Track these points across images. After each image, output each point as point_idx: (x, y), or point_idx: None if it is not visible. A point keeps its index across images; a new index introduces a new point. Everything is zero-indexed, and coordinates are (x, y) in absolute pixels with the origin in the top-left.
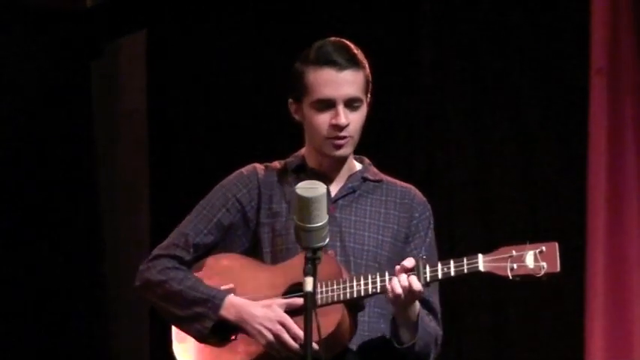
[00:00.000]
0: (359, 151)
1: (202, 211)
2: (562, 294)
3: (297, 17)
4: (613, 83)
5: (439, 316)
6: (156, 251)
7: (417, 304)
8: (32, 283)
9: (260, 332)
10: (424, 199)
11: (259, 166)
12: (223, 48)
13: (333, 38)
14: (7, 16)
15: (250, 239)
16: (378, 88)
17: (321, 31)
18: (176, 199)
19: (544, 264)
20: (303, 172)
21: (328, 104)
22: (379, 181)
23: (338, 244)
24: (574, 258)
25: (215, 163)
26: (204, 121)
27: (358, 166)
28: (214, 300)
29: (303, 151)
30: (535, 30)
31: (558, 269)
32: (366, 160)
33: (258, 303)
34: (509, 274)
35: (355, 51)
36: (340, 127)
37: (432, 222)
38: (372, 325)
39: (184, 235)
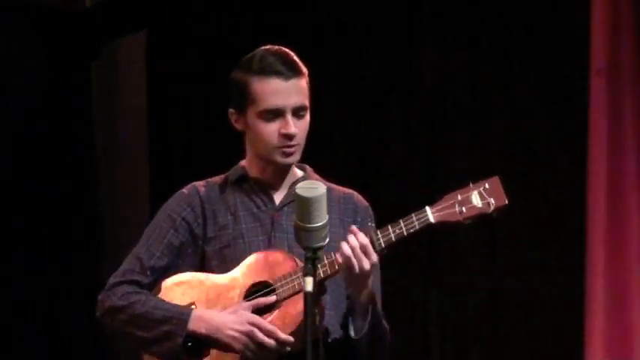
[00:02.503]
0: (355, 151)
1: (152, 234)
2: (562, 294)
3: (297, 17)
4: (613, 83)
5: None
6: (112, 279)
7: (370, 291)
8: (32, 284)
9: (233, 337)
10: (366, 203)
11: (199, 184)
12: (223, 48)
13: (270, 47)
14: (7, 15)
15: (200, 255)
16: (379, 89)
17: (322, 31)
18: None
19: (491, 199)
20: (245, 182)
21: (276, 114)
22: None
23: (286, 249)
24: (574, 258)
25: (215, 163)
26: (204, 120)
27: (300, 174)
28: (181, 316)
29: (242, 162)
30: (535, 30)
31: (506, 202)
32: (308, 168)
33: (225, 311)
34: (461, 218)
35: (296, 58)
36: (290, 137)
37: (373, 225)
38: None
39: (139, 260)
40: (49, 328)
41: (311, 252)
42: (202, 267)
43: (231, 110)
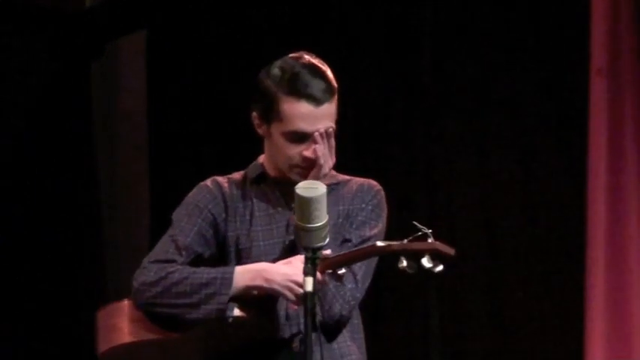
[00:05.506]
0: (355, 151)
1: (182, 219)
2: (562, 294)
3: (297, 17)
4: (613, 83)
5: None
6: (146, 260)
7: None
8: (32, 284)
9: (289, 288)
10: (377, 187)
11: (221, 179)
12: (223, 48)
13: (305, 60)
14: (6, 16)
15: (219, 251)
16: (379, 89)
17: (322, 30)
18: (176, 200)
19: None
20: (264, 181)
21: (302, 137)
22: (337, 183)
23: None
24: (574, 258)
25: (215, 164)
26: (204, 121)
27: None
28: (224, 274)
29: (262, 159)
30: (535, 30)
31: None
32: None
33: (277, 263)
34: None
35: (329, 76)
36: (312, 161)
37: (375, 208)
38: None
39: (173, 241)
40: (49, 329)
41: (311, 252)
42: (221, 263)
43: (254, 114)
